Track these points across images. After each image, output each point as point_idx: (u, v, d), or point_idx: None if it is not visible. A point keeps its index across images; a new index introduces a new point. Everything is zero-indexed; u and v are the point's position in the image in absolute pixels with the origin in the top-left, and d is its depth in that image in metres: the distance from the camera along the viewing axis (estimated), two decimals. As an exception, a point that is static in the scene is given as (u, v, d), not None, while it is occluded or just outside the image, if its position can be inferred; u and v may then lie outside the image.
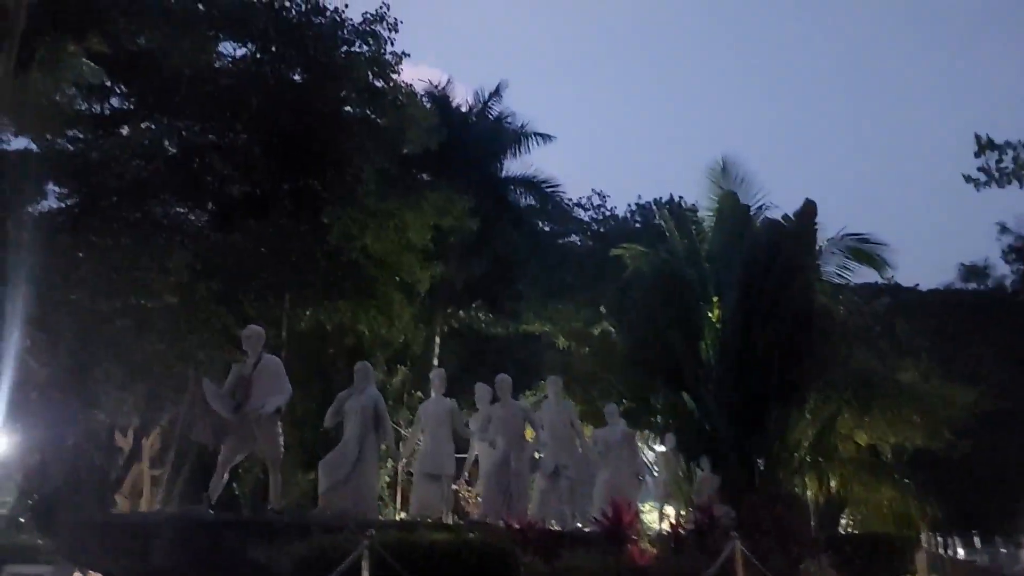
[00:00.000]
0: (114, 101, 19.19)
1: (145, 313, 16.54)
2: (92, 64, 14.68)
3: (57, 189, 17.89)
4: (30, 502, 15.06)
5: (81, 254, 16.50)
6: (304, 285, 17.77)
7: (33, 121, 14.78)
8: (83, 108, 17.92)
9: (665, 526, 13.44)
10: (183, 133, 18.78)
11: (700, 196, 20.03)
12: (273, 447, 9.18)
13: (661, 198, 27.87)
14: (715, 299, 17.98)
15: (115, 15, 15.92)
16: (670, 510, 15.48)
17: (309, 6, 18.41)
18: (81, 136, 17.93)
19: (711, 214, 19.32)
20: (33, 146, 17.26)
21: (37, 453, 14.90)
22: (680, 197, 27.70)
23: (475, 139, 25.51)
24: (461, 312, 24.90)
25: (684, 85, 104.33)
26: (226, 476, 8.90)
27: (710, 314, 17.97)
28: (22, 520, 14.50)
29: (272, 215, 17.73)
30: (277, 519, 7.85)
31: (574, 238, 30.13)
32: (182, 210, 19.31)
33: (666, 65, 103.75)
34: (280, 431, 9.28)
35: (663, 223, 20.63)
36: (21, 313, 14.17)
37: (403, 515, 12.60)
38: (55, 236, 16.16)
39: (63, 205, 18.11)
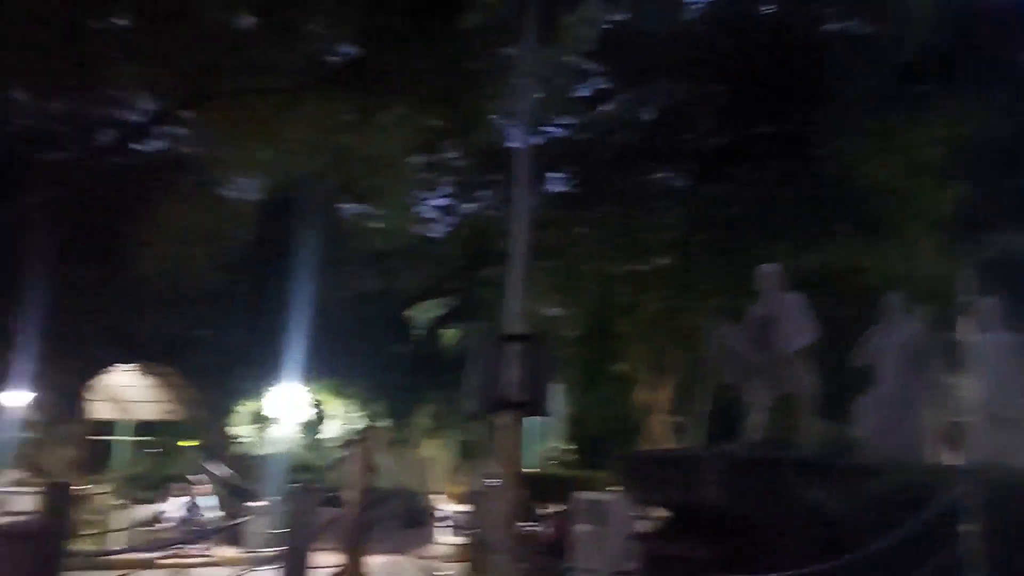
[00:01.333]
0: (591, 81, 20.14)
1: (645, 273, 17.19)
2: (588, 32, 15.26)
3: (552, 174, 19.49)
4: (578, 445, 18.68)
5: (584, 228, 17.83)
6: (803, 225, 16.55)
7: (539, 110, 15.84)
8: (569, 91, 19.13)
9: None
10: (658, 96, 18.95)
11: None
12: (803, 386, 8.60)
13: None
14: None
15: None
16: None
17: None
18: (567, 120, 19.22)
19: None
20: (529, 138, 19.02)
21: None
22: None
23: (994, 22, 20.77)
24: (997, 236, 20.70)
25: None
26: (762, 417, 8.47)
27: None
28: (575, 456, 18.25)
29: (759, 158, 16.86)
30: (835, 460, 7.09)
31: None
32: (668, 172, 19.49)
33: None
34: (809, 369, 8.58)
35: None
36: (544, 284, 15.68)
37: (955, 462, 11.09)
38: (562, 214, 17.66)
39: (562, 189, 19.68)
